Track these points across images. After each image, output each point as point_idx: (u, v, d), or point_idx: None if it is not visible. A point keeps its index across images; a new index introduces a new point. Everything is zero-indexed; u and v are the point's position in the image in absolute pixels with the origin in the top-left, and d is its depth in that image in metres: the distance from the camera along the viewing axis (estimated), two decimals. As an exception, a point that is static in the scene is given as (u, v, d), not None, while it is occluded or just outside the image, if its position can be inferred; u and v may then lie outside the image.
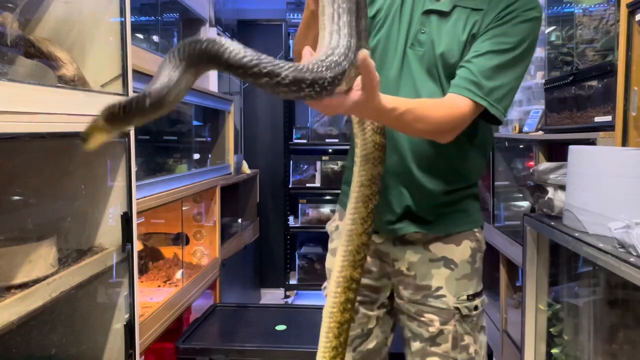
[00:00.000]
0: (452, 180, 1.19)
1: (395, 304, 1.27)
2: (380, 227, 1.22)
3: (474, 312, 1.21)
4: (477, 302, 1.22)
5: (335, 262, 1.06)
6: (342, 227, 1.09)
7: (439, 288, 1.20)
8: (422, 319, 1.21)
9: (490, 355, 2.05)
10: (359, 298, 1.26)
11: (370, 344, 1.27)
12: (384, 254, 1.25)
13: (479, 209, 1.27)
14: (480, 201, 1.30)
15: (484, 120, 1.11)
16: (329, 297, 1.07)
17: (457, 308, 1.19)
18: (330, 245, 1.34)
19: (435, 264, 1.21)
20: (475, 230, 1.24)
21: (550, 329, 1.80)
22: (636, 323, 1.45)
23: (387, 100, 0.91)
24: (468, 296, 1.20)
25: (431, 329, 1.19)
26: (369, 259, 1.24)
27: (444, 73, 1.12)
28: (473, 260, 1.22)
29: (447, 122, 1.04)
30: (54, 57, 1.19)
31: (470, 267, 1.22)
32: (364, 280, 1.25)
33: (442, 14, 1.13)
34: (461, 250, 1.21)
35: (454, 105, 1.05)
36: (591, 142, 1.66)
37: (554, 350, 1.77)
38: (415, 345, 1.22)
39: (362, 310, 1.27)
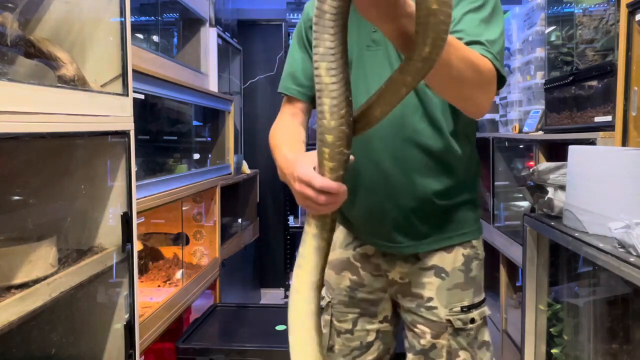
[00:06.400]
0: (441, 175, 1.10)
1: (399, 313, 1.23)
2: (370, 242, 1.19)
3: (470, 326, 1.13)
4: (474, 314, 1.14)
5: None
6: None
7: (429, 299, 1.14)
8: (416, 329, 1.16)
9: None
10: (357, 310, 1.23)
11: (370, 356, 1.24)
12: (374, 266, 1.21)
13: (478, 219, 1.19)
14: (481, 201, 1.26)
15: None
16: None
17: (449, 320, 1.12)
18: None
19: (426, 273, 1.15)
20: (472, 239, 1.18)
21: (550, 329, 1.79)
22: (636, 323, 1.45)
23: None
24: (462, 308, 1.13)
25: (422, 342, 1.14)
26: (361, 272, 1.22)
27: None
28: (467, 268, 1.15)
29: (484, 67, 0.89)
30: (54, 57, 1.19)
31: (463, 276, 1.15)
32: (360, 294, 1.22)
33: None
34: (452, 258, 1.15)
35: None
36: (591, 142, 1.66)
37: (554, 350, 1.77)
38: (410, 357, 1.17)
39: (360, 323, 1.23)
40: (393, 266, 1.18)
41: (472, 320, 1.13)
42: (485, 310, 1.17)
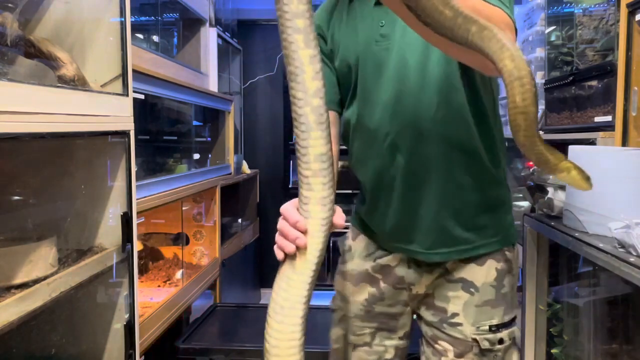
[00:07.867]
0: (469, 166, 1.01)
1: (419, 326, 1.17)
2: (398, 250, 1.12)
3: (498, 347, 1.04)
4: (502, 334, 1.05)
5: None
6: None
7: (454, 315, 1.06)
8: (437, 346, 1.08)
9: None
10: (374, 325, 1.16)
11: None
12: (397, 278, 1.13)
13: (512, 223, 1.11)
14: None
15: None
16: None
17: (475, 340, 1.04)
18: (342, 267, 1.20)
19: (453, 286, 1.07)
20: (505, 248, 1.08)
21: (550, 329, 1.80)
22: (636, 323, 1.45)
23: None
24: (490, 327, 1.04)
25: None
26: (381, 284, 1.14)
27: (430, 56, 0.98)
28: (499, 284, 1.06)
29: (492, 13, 0.79)
30: (54, 57, 1.19)
31: (494, 292, 1.05)
32: (378, 308, 1.15)
33: None
34: (484, 272, 1.06)
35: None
36: (591, 142, 1.66)
37: (554, 350, 1.77)
38: None
39: (377, 337, 1.16)
40: (419, 279, 1.11)
41: (501, 341, 1.05)
42: (515, 330, 1.09)
